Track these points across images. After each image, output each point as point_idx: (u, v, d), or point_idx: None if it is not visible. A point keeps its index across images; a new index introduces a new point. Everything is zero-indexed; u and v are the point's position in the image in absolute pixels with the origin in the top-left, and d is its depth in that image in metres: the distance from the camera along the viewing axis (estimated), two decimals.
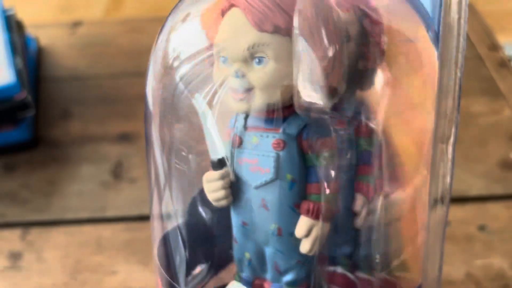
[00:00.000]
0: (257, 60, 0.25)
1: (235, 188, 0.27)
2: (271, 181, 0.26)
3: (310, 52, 0.24)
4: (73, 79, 0.61)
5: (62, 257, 0.44)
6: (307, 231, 0.26)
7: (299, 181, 0.26)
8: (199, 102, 0.28)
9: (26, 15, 0.69)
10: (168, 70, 0.29)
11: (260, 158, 0.26)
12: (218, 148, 0.27)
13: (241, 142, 0.27)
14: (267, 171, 0.26)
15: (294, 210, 0.26)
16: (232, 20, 0.25)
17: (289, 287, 0.28)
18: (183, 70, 0.29)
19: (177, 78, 0.29)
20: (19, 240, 0.45)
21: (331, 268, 0.28)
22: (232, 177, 0.27)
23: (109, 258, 0.44)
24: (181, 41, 0.30)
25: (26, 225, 0.46)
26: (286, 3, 0.25)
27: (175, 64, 0.29)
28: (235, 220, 0.28)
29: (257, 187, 0.27)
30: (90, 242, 0.45)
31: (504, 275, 0.42)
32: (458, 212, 0.46)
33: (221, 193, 0.27)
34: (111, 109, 0.57)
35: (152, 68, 0.30)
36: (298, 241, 0.27)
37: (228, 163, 0.27)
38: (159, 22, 0.69)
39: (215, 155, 0.27)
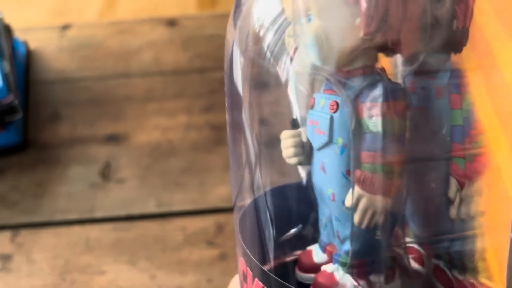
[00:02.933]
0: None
1: (307, 149, 0.27)
2: (326, 144, 0.25)
3: None
4: (62, 82, 0.61)
5: (51, 258, 0.44)
6: (355, 201, 0.25)
7: (351, 147, 0.25)
8: (285, 65, 0.27)
9: (19, 19, 0.69)
10: (255, 40, 0.28)
11: (320, 119, 0.26)
12: (295, 109, 0.27)
13: (313, 104, 0.26)
14: (323, 133, 0.25)
15: (346, 177, 0.25)
16: None
17: (346, 257, 0.26)
18: (269, 38, 0.27)
19: (265, 47, 0.28)
20: (9, 242, 0.46)
21: (435, 261, 0.26)
22: (304, 137, 0.27)
23: (98, 258, 0.44)
24: (263, 10, 0.28)
25: (16, 227, 0.47)
26: None
27: (261, 33, 0.28)
28: (308, 180, 0.28)
29: (318, 149, 0.26)
30: (78, 243, 0.45)
31: None
32: None
33: (291, 150, 0.27)
34: (99, 111, 0.57)
35: (237, 46, 0.29)
36: (350, 211, 0.25)
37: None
38: (147, 23, 0.70)
39: (293, 115, 0.28)
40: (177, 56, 0.64)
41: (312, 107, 0.26)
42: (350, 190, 0.25)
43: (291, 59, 0.27)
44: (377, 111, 0.24)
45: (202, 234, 0.45)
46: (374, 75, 0.25)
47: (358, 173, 0.24)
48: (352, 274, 0.26)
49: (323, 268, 0.27)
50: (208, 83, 0.60)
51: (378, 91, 0.24)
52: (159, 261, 0.44)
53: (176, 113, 0.57)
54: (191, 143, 0.53)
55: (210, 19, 0.70)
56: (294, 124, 0.28)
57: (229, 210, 0.47)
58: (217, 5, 0.76)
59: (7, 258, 0.44)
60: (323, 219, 0.27)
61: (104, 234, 0.46)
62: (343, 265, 0.26)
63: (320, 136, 0.26)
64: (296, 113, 0.28)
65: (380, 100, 0.24)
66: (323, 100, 0.26)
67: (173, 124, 0.55)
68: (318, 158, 0.26)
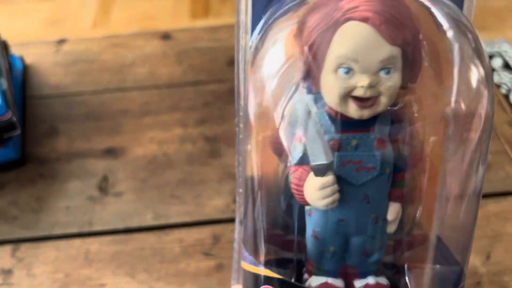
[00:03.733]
0: (386, 71, 0.28)
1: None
2: (376, 177, 0.30)
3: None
4: (59, 96, 0.63)
5: (51, 272, 0.45)
6: (397, 214, 0.31)
7: (392, 172, 0.30)
8: (302, 110, 0.30)
9: (12, 30, 0.70)
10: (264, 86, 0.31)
11: (365, 158, 0.29)
12: (324, 153, 0.29)
13: (340, 146, 0.29)
14: (373, 169, 0.30)
15: (387, 198, 0.31)
16: (360, 34, 0.27)
17: (375, 265, 0.32)
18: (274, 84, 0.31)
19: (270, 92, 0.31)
20: (10, 257, 0.46)
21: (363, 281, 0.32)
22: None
23: (97, 271, 0.45)
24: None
25: (16, 242, 0.48)
26: (408, 14, 0.28)
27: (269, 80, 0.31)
28: (330, 218, 0.31)
29: (361, 185, 0.30)
30: (78, 256, 0.46)
31: (477, 273, 0.43)
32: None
33: (336, 196, 0.29)
34: (96, 125, 0.58)
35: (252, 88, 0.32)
36: (385, 225, 0.31)
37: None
38: (141, 37, 0.71)
39: (318, 161, 0.29)
40: (171, 69, 0.65)
41: (339, 149, 0.29)
42: (391, 207, 0.31)
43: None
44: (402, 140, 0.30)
45: (198, 245, 0.47)
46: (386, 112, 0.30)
47: (396, 191, 0.31)
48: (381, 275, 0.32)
49: (365, 283, 0.32)
50: (202, 95, 0.61)
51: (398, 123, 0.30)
52: (157, 273, 0.45)
53: (171, 126, 0.58)
54: (186, 155, 0.54)
55: (203, 31, 0.71)
56: (322, 171, 0.29)
57: (224, 221, 0.48)
58: (210, 13, 0.78)
59: (7, 273, 0.45)
60: (327, 250, 0.31)
61: (103, 247, 0.47)
62: (375, 273, 0.32)
63: (368, 172, 0.30)
64: (321, 159, 0.29)
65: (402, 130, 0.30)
66: (354, 141, 0.29)
67: (168, 137, 0.57)
68: (360, 192, 0.30)
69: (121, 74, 0.65)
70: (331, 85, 0.28)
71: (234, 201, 0.50)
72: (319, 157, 0.29)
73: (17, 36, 0.71)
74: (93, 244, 0.47)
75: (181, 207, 0.50)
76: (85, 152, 0.56)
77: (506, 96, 0.59)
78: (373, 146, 0.29)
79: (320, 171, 0.29)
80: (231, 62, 0.66)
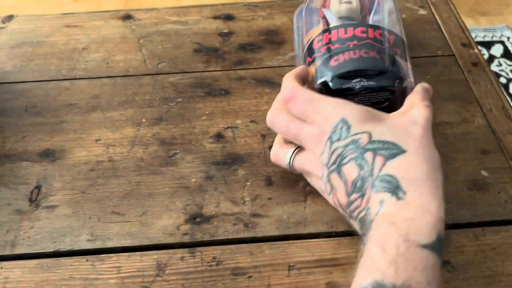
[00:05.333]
0: None
1: None
2: None
3: None
4: None
5: None
6: None
7: None
8: None
9: None
10: None
11: None
12: None
13: None
14: None
15: None
16: None
17: None
18: None
19: None
20: None
21: None
22: None
23: None
24: None
25: None
26: None
27: None
28: None
29: None
30: None
31: None
32: None
33: None
34: (35, 121, 0.50)
35: None
36: None
37: None
38: (99, 16, 0.62)
39: None
40: (129, 56, 0.57)
41: None
42: None
43: None
44: None
45: (138, 277, 0.39)
46: None
47: None
48: None
49: None
50: (161, 88, 0.53)
51: None
52: None
53: (122, 125, 0.50)
54: (135, 161, 0.47)
55: (169, 12, 0.62)
56: None
57: (172, 246, 0.41)
58: None
59: None
60: None
61: (26, 275, 0.39)
62: None
63: None
64: None
65: None
66: None
67: (116, 139, 0.49)
68: None
69: (71, 61, 0.57)
70: None
71: (186, 221, 0.42)
72: None
73: None
74: (14, 270, 0.40)
75: (122, 226, 0.42)
76: (18, 154, 0.48)
77: (506, 86, 0.51)
78: None
79: None
80: (198, 50, 0.58)
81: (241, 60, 0.56)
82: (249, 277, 0.39)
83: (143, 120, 0.50)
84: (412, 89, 0.42)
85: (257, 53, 0.57)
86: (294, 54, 0.51)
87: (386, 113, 0.39)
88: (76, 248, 0.41)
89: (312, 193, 0.43)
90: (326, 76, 0.42)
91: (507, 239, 0.40)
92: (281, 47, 0.57)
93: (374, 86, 0.42)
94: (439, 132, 0.48)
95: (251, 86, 0.53)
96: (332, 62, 0.42)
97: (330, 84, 0.42)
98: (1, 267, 0.40)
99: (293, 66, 0.49)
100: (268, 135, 0.48)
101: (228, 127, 0.49)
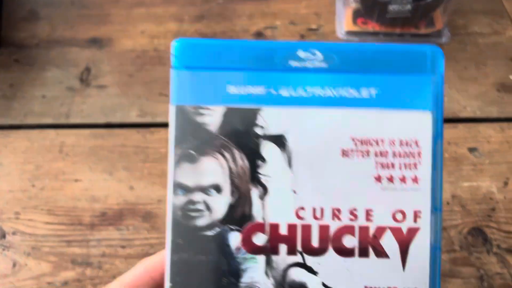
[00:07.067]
0: None
1: None
2: None
3: None
4: None
5: (21, 162, 0.41)
6: None
7: None
8: None
9: None
10: None
11: None
12: None
13: None
14: None
15: None
16: None
17: None
18: None
19: None
20: None
21: None
22: None
23: (72, 165, 0.40)
24: None
25: None
26: None
27: None
28: None
29: None
30: (52, 149, 0.41)
31: (493, 198, 0.39)
32: (449, 133, 0.43)
33: None
34: (82, 13, 0.52)
35: None
36: None
37: None
38: None
39: None
40: None
41: None
42: None
43: None
44: None
45: None
46: None
47: None
48: None
49: None
50: None
51: None
52: (139, 172, 0.40)
53: (165, 20, 0.52)
54: None
55: None
56: None
57: None
58: None
59: None
60: None
61: (80, 141, 0.42)
62: None
63: None
64: None
65: None
66: None
67: (161, 31, 0.51)
68: None
69: None
70: None
71: None
72: None
73: None
74: (69, 136, 0.42)
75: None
76: (68, 40, 0.50)
77: None
78: None
79: None
80: None
81: None
82: None
83: (186, 17, 0.52)
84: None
85: None
86: None
87: None
88: (127, 121, 0.44)
89: None
90: None
91: None
92: None
93: None
94: (471, 41, 0.50)
95: None
96: None
97: None
98: (57, 134, 0.42)
99: None
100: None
101: (267, 27, 0.51)
